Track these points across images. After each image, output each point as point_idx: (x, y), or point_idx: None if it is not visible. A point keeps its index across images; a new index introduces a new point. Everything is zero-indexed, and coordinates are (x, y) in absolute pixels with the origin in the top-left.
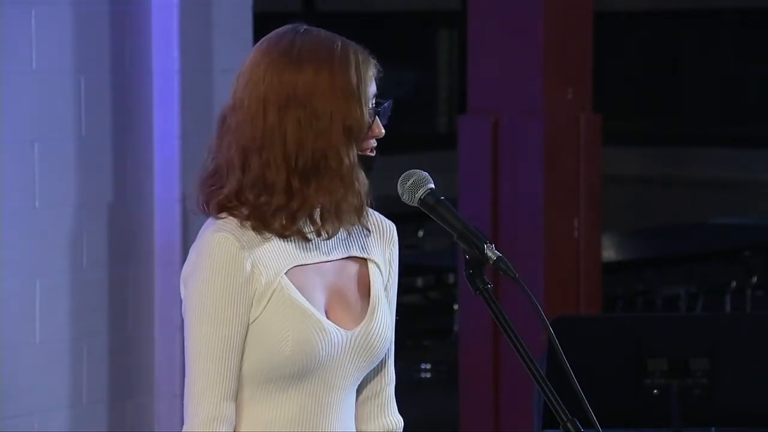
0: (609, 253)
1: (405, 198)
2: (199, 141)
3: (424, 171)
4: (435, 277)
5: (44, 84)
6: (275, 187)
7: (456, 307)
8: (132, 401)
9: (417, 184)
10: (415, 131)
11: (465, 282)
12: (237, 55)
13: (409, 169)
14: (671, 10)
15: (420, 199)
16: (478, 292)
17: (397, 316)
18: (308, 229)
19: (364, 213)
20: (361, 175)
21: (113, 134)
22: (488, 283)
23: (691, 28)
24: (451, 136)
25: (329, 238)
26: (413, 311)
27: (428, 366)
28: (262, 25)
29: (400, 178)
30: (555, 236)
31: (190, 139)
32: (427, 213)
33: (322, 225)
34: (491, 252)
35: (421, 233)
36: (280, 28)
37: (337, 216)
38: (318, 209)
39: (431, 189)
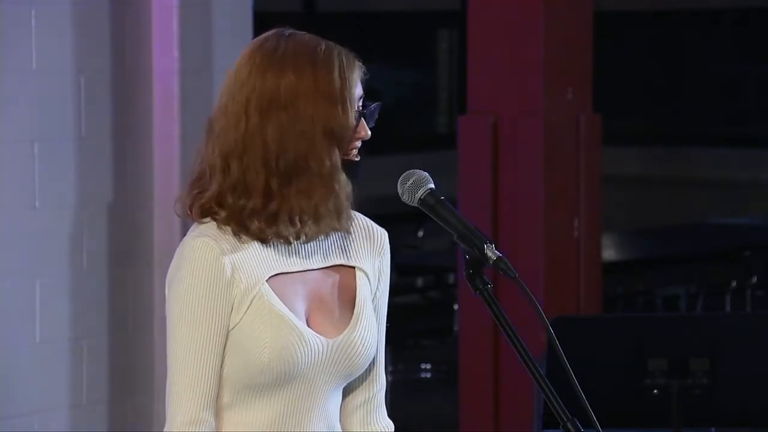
0: (609, 253)
1: (405, 198)
2: (199, 141)
3: (424, 171)
4: (435, 277)
5: (44, 84)
6: (254, 190)
7: (456, 307)
8: (132, 401)
9: (417, 184)
10: (415, 131)
11: (465, 282)
12: (237, 55)
13: (409, 169)
14: (671, 10)
15: (420, 199)
16: (478, 292)
17: (387, 323)
18: (288, 233)
19: (345, 217)
20: (342, 178)
21: (113, 134)
22: (488, 283)
23: (691, 28)
24: (451, 136)
25: (308, 241)
26: (413, 311)
27: (428, 366)
28: (262, 25)
29: (400, 178)
30: (555, 236)
31: (190, 139)
32: (427, 213)
33: (302, 228)
34: (491, 252)
35: (421, 233)
36: (267, 32)
37: (316, 219)
38: (298, 212)
39: (431, 189)
